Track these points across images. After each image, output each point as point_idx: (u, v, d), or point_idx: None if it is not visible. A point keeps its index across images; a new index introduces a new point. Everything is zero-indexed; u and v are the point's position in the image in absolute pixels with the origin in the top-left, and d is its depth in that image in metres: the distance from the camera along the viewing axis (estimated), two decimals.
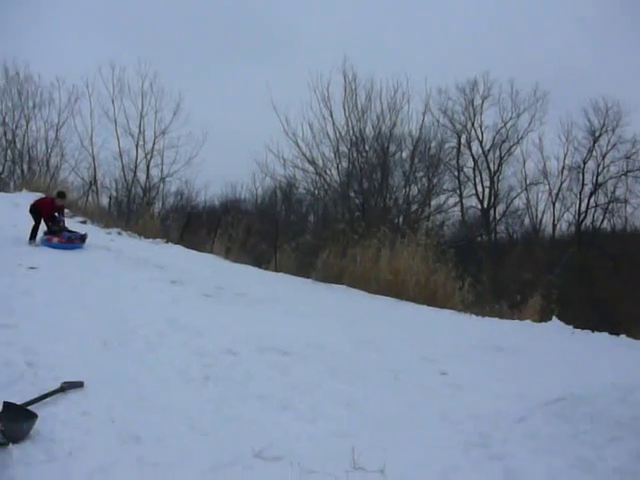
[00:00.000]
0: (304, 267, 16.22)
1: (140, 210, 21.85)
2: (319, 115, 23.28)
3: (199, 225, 21.22)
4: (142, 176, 27.87)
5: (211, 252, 16.87)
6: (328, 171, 23.63)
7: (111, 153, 27.73)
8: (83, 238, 12.33)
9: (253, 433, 4.64)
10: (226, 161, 32.82)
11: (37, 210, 12.35)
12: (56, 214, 12.53)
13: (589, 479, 4.18)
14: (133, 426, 4.45)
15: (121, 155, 27.81)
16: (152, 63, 28.02)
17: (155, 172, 27.85)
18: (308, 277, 14.94)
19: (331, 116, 23.38)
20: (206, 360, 6.23)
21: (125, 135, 27.83)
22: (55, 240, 12.05)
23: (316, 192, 24.87)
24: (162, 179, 27.77)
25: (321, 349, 7.20)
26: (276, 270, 16.00)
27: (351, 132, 23.67)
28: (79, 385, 4.99)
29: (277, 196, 29.60)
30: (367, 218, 19.82)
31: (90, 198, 23.51)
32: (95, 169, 27.82)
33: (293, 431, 4.80)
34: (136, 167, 27.77)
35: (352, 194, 23.82)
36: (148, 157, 27.81)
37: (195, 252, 15.91)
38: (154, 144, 27.82)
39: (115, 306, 7.87)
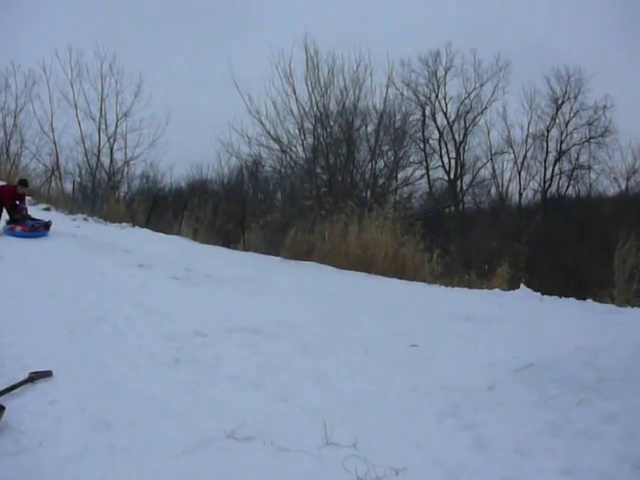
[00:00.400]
0: (273, 245, 16.18)
1: (105, 195, 21.45)
2: (282, 92, 22.99)
3: (166, 207, 20.99)
4: (106, 160, 27.41)
5: (179, 234, 16.72)
6: (293, 148, 23.44)
7: (73, 138, 27.09)
8: (47, 225, 12.02)
9: (225, 414, 4.65)
10: (191, 142, 32.57)
11: None
12: (17, 202, 12.26)
13: (557, 443, 4.28)
14: (104, 413, 4.42)
15: (83, 140, 27.27)
16: (111, 45, 27.22)
17: (119, 155, 27.37)
18: (277, 255, 14.91)
19: (294, 92, 23.11)
20: (176, 343, 6.20)
21: (86, 119, 27.22)
22: (18, 229, 11.72)
23: (282, 170, 24.69)
24: (126, 162, 27.30)
25: (291, 327, 7.21)
26: (245, 249, 15.94)
27: (315, 108, 23.47)
28: (48, 374, 4.94)
29: (243, 175, 29.38)
30: (334, 193, 19.74)
31: (53, 184, 23.07)
32: (57, 155, 27.23)
33: (265, 410, 4.82)
34: (99, 151, 27.29)
35: (318, 170, 23.73)
36: (111, 141, 27.31)
37: (162, 235, 15.74)
38: (116, 127, 27.27)
39: (82, 293, 7.77)
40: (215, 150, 28.37)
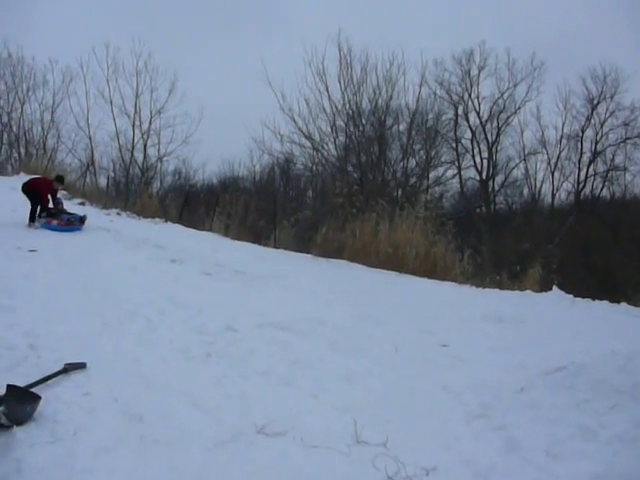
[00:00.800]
0: (304, 243, 16.23)
1: (138, 190, 21.74)
2: (315, 89, 23.06)
3: (198, 204, 21.17)
4: (139, 156, 27.86)
5: (210, 230, 16.86)
6: (325, 146, 23.49)
7: (108, 134, 27.64)
8: (82, 220, 12.30)
9: (255, 409, 4.67)
10: (223, 139, 32.81)
11: (33, 189, 12.24)
12: (50, 196, 12.50)
13: (590, 447, 4.21)
14: (136, 405, 4.48)
15: (118, 135, 27.74)
16: (146, 42, 27.64)
17: (152, 152, 27.80)
18: (308, 252, 14.95)
19: (327, 90, 23.16)
20: (207, 338, 6.25)
21: (121, 115, 27.72)
22: (54, 223, 12.00)
23: (314, 167, 24.77)
24: (159, 159, 27.71)
25: (322, 324, 7.23)
26: (276, 246, 16.00)
27: (347, 106, 23.49)
28: (82, 366, 5.02)
29: (275, 172, 29.56)
30: (365, 192, 19.75)
31: (88, 179, 23.41)
32: (92, 150, 27.75)
33: (295, 406, 4.84)
34: (133, 147, 27.72)
35: (350, 168, 23.74)
36: (145, 137, 27.70)
37: (194, 231, 15.90)
38: (150, 124, 27.66)
39: (115, 286, 7.88)
40: (247, 147, 28.69)
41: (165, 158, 27.66)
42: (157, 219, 16.58)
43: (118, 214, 16.30)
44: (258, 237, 17.04)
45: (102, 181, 25.36)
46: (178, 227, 15.83)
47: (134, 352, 5.64)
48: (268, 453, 4.05)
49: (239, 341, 6.30)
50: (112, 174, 27.47)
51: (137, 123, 27.73)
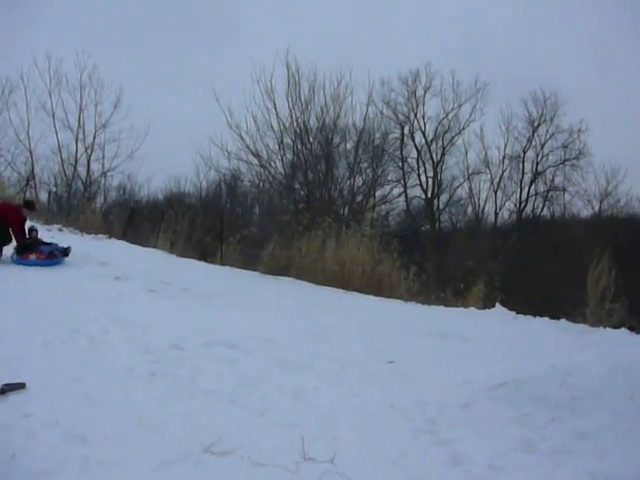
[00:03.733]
0: (250, 260, 16.15)
1: (81, 205, 21.26)
2: (262, 107, 23.07)
3: (143, 220, 20.87)
4: (82, 171, 27.08)
5: (155, 247, 16.61)
6: (273, 163, 23.51)
7: (49, 147, 26.83)
8: (66, 252, 10.96)
9: (202, 428, 4.62)
10: (169, 154, 32.41)
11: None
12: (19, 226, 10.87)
13: (531, 459, 4.34)
14: (78, 426, 4.37)
15: (60, 149, 27.02)
16: (91, 55, 27.14)
17: (96, 166, 27.06)
18: (254, 270, 14.89)
19: (275, 108, 23.21)
20: (152, 356, 6.16)
21: (64, 129, 26.99)
22: (33, 257, 10.54)
23: (261, 184, 24.75)
24: (103, 173, 27.04)
25: (268, 341, 7.21)
26: (222, 263, 15.88)
27: (295, 124, 23.60)
28: (20, 386, 4.87)
29: (222, 189, 29.39)
30: (312, 209, 19.82)
31: (28, 194, 22.77)
32: (33, 164, 26.87)
33: (242, 425, 4.80)
34: (76, 161, 27.02)
35: (297, 186, 23.82)
36: (88, 151, 27.01)
37: (139, 247, 15.64)
38: (94, 138, 26.95)
39: (56, 304, 7.71)
40: (194, 163, 28.37)
41: (109, 173, 27.03)
42: (101, 235, 16.25)
43: (60, 230, 15.90)
44: (204, 254, 16.87)
45: (43, 196, 24.74)
46: (122, 244, 15.55)
47: (76, 371, 5.50)
48: (215, 472, 4.01)
49: (185, 359, 6.23)
50: (54, 189, 26.78)
51: (80, 137, 27.04)
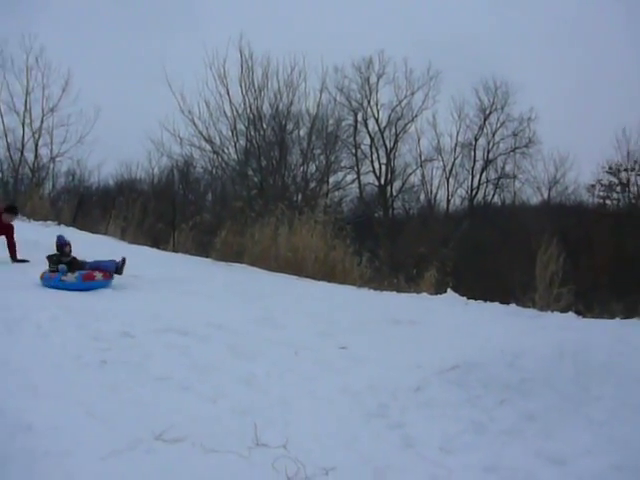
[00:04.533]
0: (203, 246, 16.05)
1: (29, 191, 20.73)
2: (215, 93, 22.95)
3: (93, 206, 20.50)
4: (30, 156, 26.43)
5: (106, 233, 16.36)
6: (226, 149, 23.42)
7: None
8: (119, 268, 9.22)
9: (153, 416, 4.56)
10: (120, 140, 31.74)
11: None
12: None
13: (481, 440, 4.44)
14: (25, 416, 4.25)
15: (6, 134, 26.28)
16: (38, 37, 26.37)
17: (44, 151, 26.48)
18: (207, 256, 14.78)
19: (228, 94, 23.11)
20: (102, 344, 6.04)
21: (10, 113, 26.27)
22: (99, 276, 8.78)
23: (214, 171, 24.62)
24: (52, 159, 26.46)
25: (221, 328, 7.15)
26: (174, 250, 15.73)
27: (248, 110, 23.53)
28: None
29: (174, 175, 28.99)
30: (265, 196, 19.78)
31: None
32: None
33: (194, 412, 4.76)
34: (23, 146, 26.31)
35: (250, 172, 23.72)
36: (36, 136, 26.35)
37: (89, 234, 15.36)
38: (42, 122, 26.36)
39: (2, 292, 7.51)
40: (145, 149, 27.96)
41: (58, 158, 26.45)
42: (49, 222, 15.91)
43: None
44: (156, 241, 16.69)
45: None
46: (72, 230, 15.22)
47: (23, 360, 5.37)
48: (166, 460, 3.97)
49: (136, 347, 6.13)
50: None
51: (27, 121, 26.34)
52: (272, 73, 23.93)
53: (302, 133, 26.45)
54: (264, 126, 24.11)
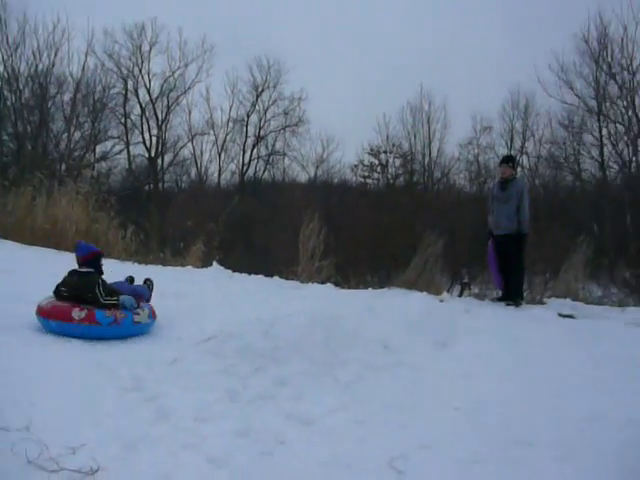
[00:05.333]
0: None
1: None
2: None
3: None
4: None
5: None
6: None
7: None
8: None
9: None
10: None
11: None
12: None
13: (234, 407, 4.59)
14: None
15: None
16: None
17: None
18: None
19: None
20: None
21: None
22: (143, 315, 6.20)
23: None
24: None
25: None
26: None
27: (2, 68, 21.45)
28: None
29: None
30: (22, 163, 18.27)
31: None
32: None
33: None
34: None
35: (5, 137, 21.74)
36: None
37: None
38: None
39: None
40: None
41: None
42: None
43: None
44: None
45: None
46: None
47: None
48: None
49: None
50: None
51: None
52: (30, 29, 22.04)
53: (66, 98, 24.78)
54: (20, 87, 22.19)
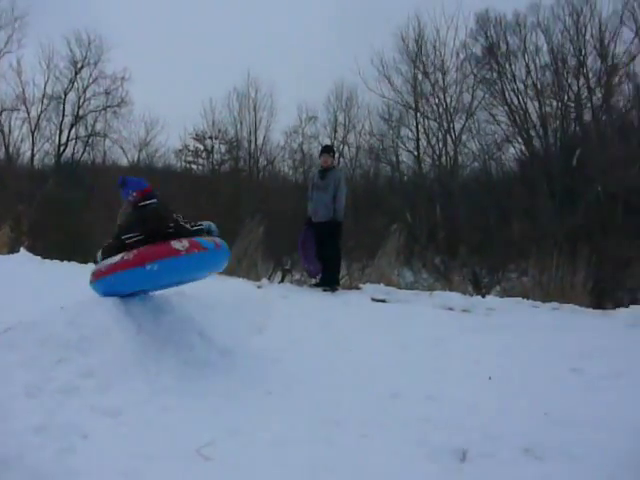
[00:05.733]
0: None
1: None
2: None
3: None
4: None
5: None
6: None
7: None
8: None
9: None
10: None
11: None
12: None
13: (34, 402, 4.28)
14: None
15: None
16: None
17: None
18: None
19: None
20: None
21: None
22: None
23: None
24: None
25: None
26: None
27: None
28: None
29: None
30: None
31: None
32: None
33: None
34: None
35: None
36: None
37: None
38: None
39: None
40: None
41: None
42: None
43: None
44: None
45: None
46: None
47: None
48: None
49: None
50: None
51: None
52: None
53: None
54: None
